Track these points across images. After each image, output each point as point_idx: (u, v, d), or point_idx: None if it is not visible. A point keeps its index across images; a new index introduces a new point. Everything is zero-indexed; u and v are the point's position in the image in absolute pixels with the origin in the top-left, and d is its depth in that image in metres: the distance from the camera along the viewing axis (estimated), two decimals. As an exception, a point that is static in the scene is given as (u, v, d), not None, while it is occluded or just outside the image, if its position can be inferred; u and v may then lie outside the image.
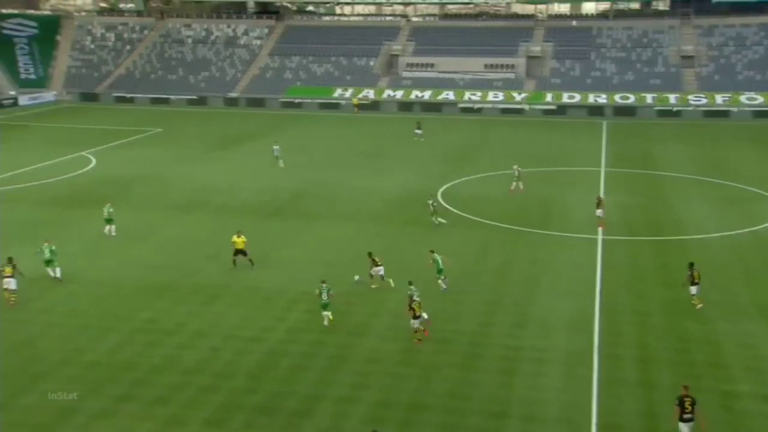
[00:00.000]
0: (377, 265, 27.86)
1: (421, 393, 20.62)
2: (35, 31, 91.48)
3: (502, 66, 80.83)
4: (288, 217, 37.02)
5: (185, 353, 22.76)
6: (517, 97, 75.69)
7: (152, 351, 22.91)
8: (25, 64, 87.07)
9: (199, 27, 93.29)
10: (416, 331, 23.64)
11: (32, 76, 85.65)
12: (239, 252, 29.59)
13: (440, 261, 27.75)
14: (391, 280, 27.72)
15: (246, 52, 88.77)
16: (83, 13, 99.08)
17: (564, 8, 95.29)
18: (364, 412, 19.69)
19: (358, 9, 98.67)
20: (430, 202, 36.07)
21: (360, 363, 22.23)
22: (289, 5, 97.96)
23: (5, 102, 76.74)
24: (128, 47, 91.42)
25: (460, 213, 37.46)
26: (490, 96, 76.69)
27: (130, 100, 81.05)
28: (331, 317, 24.68)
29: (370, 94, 78.81)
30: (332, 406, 19.99)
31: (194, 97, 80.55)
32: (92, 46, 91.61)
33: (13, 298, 26.44)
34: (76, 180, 44.44)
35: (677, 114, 70.98)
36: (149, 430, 18.93)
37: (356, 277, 28.23)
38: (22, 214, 37.14)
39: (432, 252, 28.17)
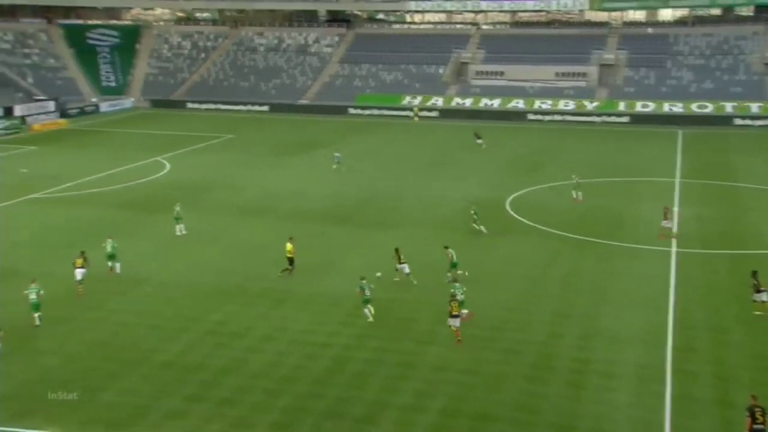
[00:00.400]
0: (402, 263, 28.73)
1: (488, 403, 20.38)
2: (117, 40, 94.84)
3: (573, 74, 79.61)
4: (354, 223, 37.21)
5: (253, 356, 23.08)
6: (589, 106, 74.36)
7: (221, 353, 23.32)
8: (106, 72, 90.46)
9: (271, 35, 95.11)
10: (451, 328, 23.89)
11: (112, 84, 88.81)
12: (289, 261, 29.57)
13: (454, 255, 28.88)
14: (415, 280, 28.31)
15: (316, 60, 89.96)
16: (161, 23, 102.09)
17: (639, 15, 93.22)
18: (429, 421, 19.57)
19: (428, 17, 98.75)
20: (472, 211, 35.94)
21: (426, 371, 22.12)
22: (360, 13, 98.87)
23: (87, 109, 79.63)
24: (203, 55, 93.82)
25: (528, 222, 36.99)
26: (561, 104, 75.59)
27: (204, 107, 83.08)
28: (373, 311, 25.35)
29: (438, 102, 78.71)
30: (398, 413, 19.93)
31: (265, 103, 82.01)
32: (169, 54, 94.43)
33: (81, 288, 27.80)
34: (151, 184, 45.73)
35: (759, 123, 68.45)
36: (218, 431, 19.21)
37: (378, 274, 28.61)
38: (97, 216, 38.38)
39: (446, 248, 29.34)
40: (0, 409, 20.06)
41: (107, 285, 28.68)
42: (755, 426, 17.56)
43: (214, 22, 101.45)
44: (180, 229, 35.18)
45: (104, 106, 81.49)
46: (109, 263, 29.94)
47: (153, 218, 38.01)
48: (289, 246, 29.81)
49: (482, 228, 35.03)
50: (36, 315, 25.48)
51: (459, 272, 28.55)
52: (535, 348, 23.49)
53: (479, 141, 58.13)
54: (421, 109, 76.50)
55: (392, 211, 39.63)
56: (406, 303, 25.77)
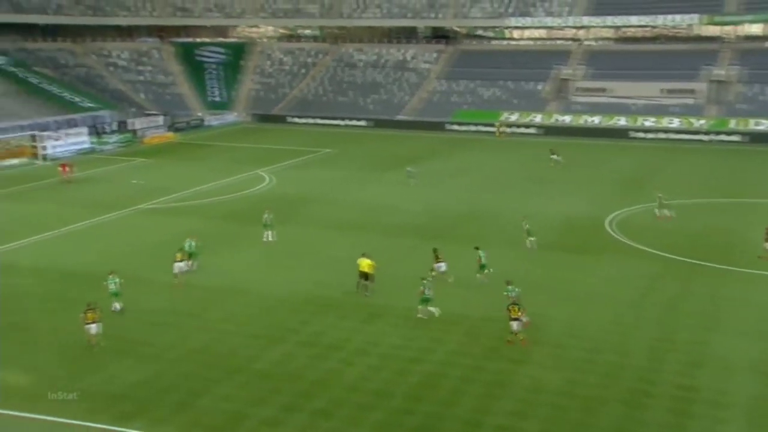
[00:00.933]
0: (439, 261, 30.47)
1: (584, 427, 19.80)
2: (223, 57, 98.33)
3: (680, 91, 76.83)
4: (450, 239, 37.07)
5: (347, 369, 23.28)
6: (697, 124, 71.55)
7: (316, 364, 23.63)
8: (212, 87, 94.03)
9: (370, 51, 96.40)
10: (513, 333, 24.50)
11: (218, 99, 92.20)
12: (364, 275, 29.07)
13: (483, 257, 30.03)
14: (451, 278, 29.87)
15: (415, 76, 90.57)
16: (266, 40, 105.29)
17: (756, 29, 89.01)
18: (522, 443, 19.19)
19: (529, 33, 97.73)
20: (524, 223, 35.45)
21: (520, 391, 21.74)
22: (460, 30, 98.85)
23: (194, 123, 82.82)
24: (303, 71, 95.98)
25: (628, 242, 35.86)
26: (666, 122, 73.07)
27: (304, 122, 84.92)
28: (436, 313, 26.58)
29: (537, 118, 77.67)
30: (490, 433, 19.66)
31: (364, 118, 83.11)
32: (272, 70, 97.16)
33: (176, 281, 30.54)
34: (252, 196, 47.00)
35: None
36: (311, 441, 19.45)
37: (450, 279, 29.91)
38: (201, 226, 39.59)
39: (477, 248, 30.67)
40: (109, 408, 21.06)
41: (209, 293, 29.68)
42: None
43: (315, 38, 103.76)
44: (268, 235, 36.50)
45: (210, 121, 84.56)
46: (188, 261, 31.82)
47: (253, 230, 38.97)
48: (363, 261, 29.28)
49: (533, 241, 34.57)
50: (115, 303, 27.69)
51: (486, 272, 29.78)
52: (634, 372, 22.68)
53: (556, 157, 57.01)
54: (508, 126, 75.66)
55: (488, 227, 39.27)
56: (500, 322, 25.44)
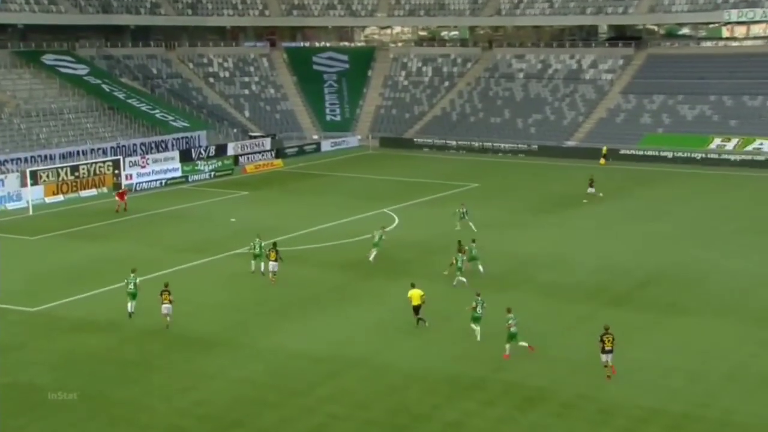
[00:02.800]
0: (461, 252, 39.16)
1: None
2: (346, 66, 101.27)
3: None
4: (636, 306, 35.84)
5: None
6: None
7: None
8: (331, 103, 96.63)
9: (533, 58, 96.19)
10: (605, 366, 28.09)
11: (337, 118, 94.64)
12: (416, 308, 33.65)
13: (513, 321, 30.81)
14: (481, 266, 38.12)
15: (592, 90, 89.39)
16: (400, 44, 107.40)
17: None
18: None
19: (756, 29, 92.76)
20: None
21: None
22: (656, 28, 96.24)
23: (307, 148, 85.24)
24: (446, 84, 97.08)
25: None
26: None
27: (444, 147, 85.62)
28: (478, 334, 31.25)
29: (765, 145, 74.39)
30: None
31: (522, 144, 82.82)
32: (405, 83, 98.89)
33: (273, 279, 38.70)
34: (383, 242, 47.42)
35: None
36: None
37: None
38: (312, 278, 40.40)
39: (478, 295, 36.33)
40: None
41: (316, 364, 29.93)
42: None
43: (462, 42, 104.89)
44: (257, 266, 40.79)
45: (326, 145, 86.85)
46: (254, 262, 41.02)
47: (376, 284, 39.24)
48: (415, 293, 33.66)
49: None
50: (131, 303, 34.75)
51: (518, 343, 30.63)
52: None
53: (591, 190, 58.94)
54: (603, 154, 76.61)
55: (689, 292, 37.77)
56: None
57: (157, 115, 79.23)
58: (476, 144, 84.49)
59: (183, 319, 34.28)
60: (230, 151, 77.20)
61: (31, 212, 56.81)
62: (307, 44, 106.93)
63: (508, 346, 30.23)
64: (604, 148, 77.49)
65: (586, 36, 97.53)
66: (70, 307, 36.64)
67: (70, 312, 35.87)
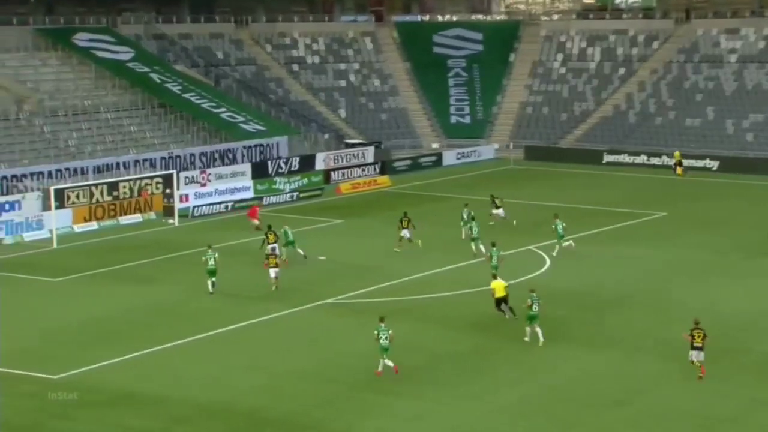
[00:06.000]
0: (497, 208, 56.08)
1: None
2: (479, 47, 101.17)
3: None
4: None
5: None
6: None
7: None
8: (458, 99, 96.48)
9: (752, 34, 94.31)
10: (692, 363, 34.11)
11: (465, 120, 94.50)
12: (501, 300, 41.02)
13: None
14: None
15: None
16: (555, 17, 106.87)
17: None
18: None
19: None
20: None
21: None
22: None
23: (424, 161, 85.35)
24: (621, 71, 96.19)
25: None
26: None
27: (615, 160, 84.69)
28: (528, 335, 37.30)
29: None
30: None
31: (734, 154, 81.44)
32: (562, 70, 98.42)
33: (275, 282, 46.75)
34: (516, 290, 46.99)
35: None
36: None
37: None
38: (421, 339, 40.28)
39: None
40: None
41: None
42: None
43: (645, 12, 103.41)
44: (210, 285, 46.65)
45: (450, 157, 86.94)
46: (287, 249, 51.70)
47: (518, 350, 38.92)
48: (499, 284, 41.33)
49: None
50: (210, 281, 46.05)
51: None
52: None
53: (496, 212, 61.42)
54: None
55: None
56: None
57: (223, 116, 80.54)
58: (664, 155, 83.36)
59: (255, 393, 34.62)
60: (319, 165, 78.00)
61: (54, 245, 58.16)
62: (426, 18, 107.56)
63: (528, 329, 38.93)
64: (677, 155, 78.61)
65: None
66: (104, 374, 37.11)
67: (104, 381, 36.32)
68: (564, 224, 54.16)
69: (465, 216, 56.78)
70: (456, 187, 76.27)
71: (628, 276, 50.12)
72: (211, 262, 46.72)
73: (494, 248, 47.95)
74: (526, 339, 39.31)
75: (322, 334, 41.68)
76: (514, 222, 60.66)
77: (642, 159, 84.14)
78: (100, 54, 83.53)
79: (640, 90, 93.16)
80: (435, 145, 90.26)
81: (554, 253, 53.51)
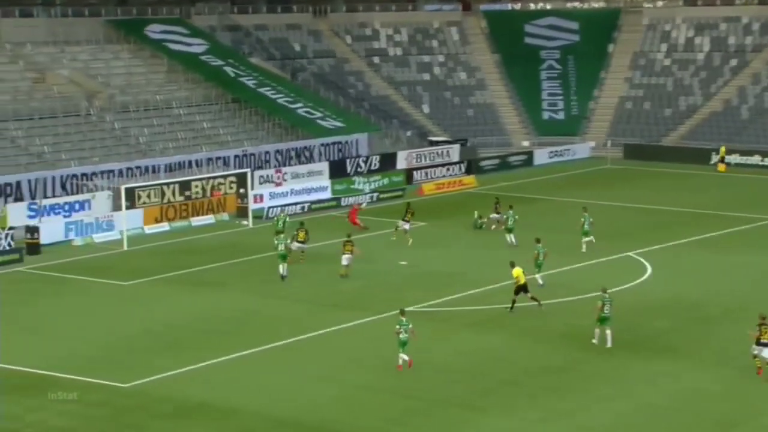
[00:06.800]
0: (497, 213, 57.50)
1: None
2: (574, 37, 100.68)
3: None
4: None
5: None
6: None
7: None
8: (551, 94, 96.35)
9: None
10: (755, 358, 35.90)
11: (559, 116, 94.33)
12: (521, 289, 44.60)
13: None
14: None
15: None
16: (658, 4, 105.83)
17: None
18: None
19: None
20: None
21: None
22: None
23: (513, 160, 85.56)
24: (733, 62, 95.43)
25: None
26: None
27: (727, 160, 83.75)
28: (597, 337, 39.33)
29: None
30: None
31: None
32: (667, 62, 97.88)
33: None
34: (621, 299, 46.50)
35: None
36: None
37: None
38: (508, 351, 40.40)
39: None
40: None
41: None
42: None
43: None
44: (283, 268, 51.13)
45: (541, 156, 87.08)
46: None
47: (616, 364, 38.77)
48: (517, 270, 44.67)
49: None
50: (282, 265, 50.78)
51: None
52: None
53: (494, 216, 61.63)
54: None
55: None
56: None
57: (300, 111, 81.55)
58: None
59: (327, 406, 35.00)
60: (401, 164, 78.33)
61: (125, 247, 59.26)
62: (517, 6, 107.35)
63: (597, 330, 40.32)
64: (722, 150, 79.21)
65: None
66: (173, 383, 37.69)
67: (173, 391, 36.91)
68: (592, 219, 56.68)
69: (585, 222, 57.20)
70: (547, 189, 76.51)
71: (739, 286, 49.87)
72: (281, 248, 51.20)
73: (539, 245, 49.51)
74: (594, 341, 40.47)
75: (380, 347, 40.98)
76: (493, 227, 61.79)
77: (756, 159, 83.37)
78: (173, 46, 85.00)
79: (753, 83, 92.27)
80: (525, 143, 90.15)
81: (583, 250, 55.89)
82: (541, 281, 48.76)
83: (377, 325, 44.26)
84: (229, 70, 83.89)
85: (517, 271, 45.01)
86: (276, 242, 52.03)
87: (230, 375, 38.24)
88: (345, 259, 50.73)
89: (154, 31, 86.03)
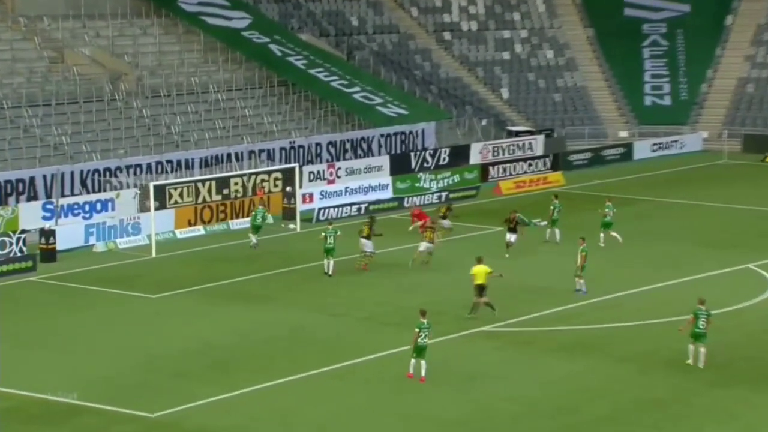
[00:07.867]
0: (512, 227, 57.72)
1: None
2: (684, 9, 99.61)
3: None
4: None
5: None
6: None
7: None
8: (654, 76, 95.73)
9: None
10: None
11: (664, 102, 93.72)
12: (479, 288, 45.41)
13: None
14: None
15: None
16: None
17: None
18: None
19: None
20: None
21: None
22: None
23: (609, 154, 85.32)
24: None
25: None
26: None
27: None
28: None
29: None
30: None
31: None
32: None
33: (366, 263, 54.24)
34: (738, 320, 46.74)
35: None
36: None
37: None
38: (605, 379, 40.13)
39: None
40: None
41: None
42: None
43: None
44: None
45: (642, 149, 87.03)
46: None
47: (735, 395, 38.56)
48: (479, 270, 45.66)
49: None
50: (327, 261, 53.47)
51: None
52: None
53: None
54: None
55: None
56: None
57: (356, 96, 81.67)
58: None
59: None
60: (475, 158, 78.20)
61: (153, 253, 59.60)
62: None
63: (691, 347, 40.52)
64: None
65: None
66: (207, 412, 37.71)
67: (207, 421, 37.00)
68: (615, 210, 58.99)
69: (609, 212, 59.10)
70: (650, 188, 76.23)
71: None
72: (330, 240, 53.34)
73: (583, 245, 51.07)
74: (689, 361, 40.63)
75: (472, 371, 41.42)
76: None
77: None
78: (211, 21, 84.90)
79: None
80: (623, 134, 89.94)
81: (601, 244, 58.00)
82: (584, 288, 50.74)
83: (444, 348, 43.51)
84: (275, 48, 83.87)
85: (478, 269, 46.21)
86: (324, 234, 53.89)
87: (273, 404, 38.27)
88: (423, 245, 53.95)
89: (188, 2, 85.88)
